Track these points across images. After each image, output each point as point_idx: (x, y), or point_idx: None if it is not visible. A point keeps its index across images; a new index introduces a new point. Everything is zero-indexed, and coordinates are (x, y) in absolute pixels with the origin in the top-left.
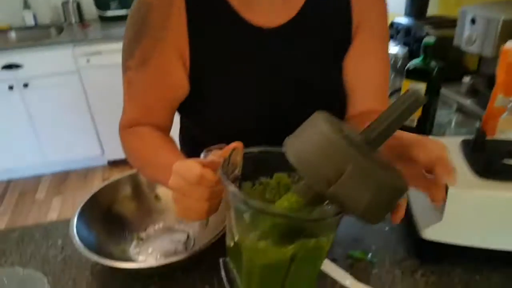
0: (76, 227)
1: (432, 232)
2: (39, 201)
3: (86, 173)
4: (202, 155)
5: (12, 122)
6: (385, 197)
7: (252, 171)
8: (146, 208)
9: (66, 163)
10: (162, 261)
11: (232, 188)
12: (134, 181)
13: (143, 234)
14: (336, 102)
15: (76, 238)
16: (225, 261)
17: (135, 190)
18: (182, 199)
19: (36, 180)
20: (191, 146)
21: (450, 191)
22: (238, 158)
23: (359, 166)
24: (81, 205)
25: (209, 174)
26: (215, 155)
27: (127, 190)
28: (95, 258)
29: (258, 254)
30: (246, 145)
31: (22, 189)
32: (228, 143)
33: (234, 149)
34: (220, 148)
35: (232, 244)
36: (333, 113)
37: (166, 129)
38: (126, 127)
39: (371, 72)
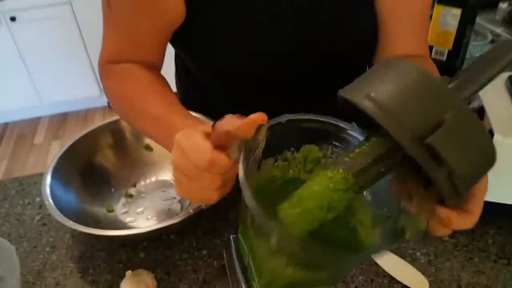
0: (51, 185)
1: None
2: (37, 145)
3: (85, 114)
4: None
5: (3, 61)
6: (484, 163)
7: (274, 145)
8: (135, 160)
9: (64, 105)
10: (153, 225)
11: (252, 203)
12: (119, 128)
13: (132, 190)
14: (368, 47)
15: (49, 199)
16: (236, 238)
17: (121, 139)
18: (186, 183)
19: (34, 123)
20: (193, 92)
21: (495, 137)
22: (262, 136)
23: (466, 116)
24: (56, 159)
25: (222, 160)
26: (231, 124)
27: (111, 139)
28: (70, 224)
29: (282, 278)
30: (261, 97)
31: (20, 133)
32: (239, 98)
33: (259, 126)
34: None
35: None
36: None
37: (156, 67)
38: (107, 63)
39: (410, 7)
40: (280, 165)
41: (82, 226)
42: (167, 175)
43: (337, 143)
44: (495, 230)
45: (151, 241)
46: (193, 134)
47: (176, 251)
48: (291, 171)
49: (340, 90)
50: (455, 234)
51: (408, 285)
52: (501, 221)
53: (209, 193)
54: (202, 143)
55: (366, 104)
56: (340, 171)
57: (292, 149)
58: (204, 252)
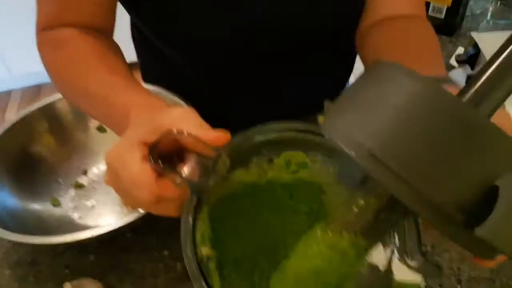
0: None
1: None
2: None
3: None
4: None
5: None
6: None
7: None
8: (83, 143)
9: (36, 76)
10: (104, 226)
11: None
12: (59, 108)
13: (83, 180)
14: (348, 20)
15: None
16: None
17: (64, 121)
18: (132, 204)
19: (4, 97)
20: (153, 63)
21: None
22: (226, 164)
23: None
24: None
25: (170, 193)
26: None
27: (50, 122)
28: None
29: None
30: (228, 71)
31: None
32: (206, 72)
33: (218, 158)
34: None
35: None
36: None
37: (105, 32)
38: (43, 30)
39: None
40: (254, 170)
41: (8, 233)
42: None
43: (325, 153)
44: None
45: (103, 241)
46: (128, 159)
47: (132, 253)
48: (270, 173)
49: (321, 118)
50: None
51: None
52: None
53: (166, 213)
54: (142, 176)
55: (364, 163)
56: (344, 234)
57: (271, 157)
58: (165, 252)
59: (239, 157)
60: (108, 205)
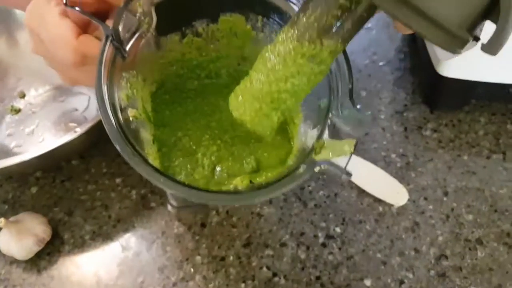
0: None
1: (456, 66)
2: None
3: None
4: None
5: None
6: None
7: (174, 17)
8: (20, 60)
9: None
10: (43, 147)
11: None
12: None
13: (20, 103)
14: None
15: None
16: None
17: None
18: (62, 70)
19: None
20: None
21: None
22: (145, 8)
23: None
24: None
25: (94, 47)
26: None
27: None
28: None
29: None
30: None
31: None
32: None
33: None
34: None
35: None
36: None
37: None
38: None
39: None
40: (191, 41)
41: None
42: None
43: (268, 12)
44: (486, 118)
45: (46, 170)
46: (45, 16)
47: (79, 182)
48: (211, 46)
49: None
50: (438, 127)
51: (382, 198)
52: (494, 106)
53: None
54: (61, 31)
55: None
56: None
57: (207, 20)
58: (118, 180)
59: (169, 13)
60: (49, 130)
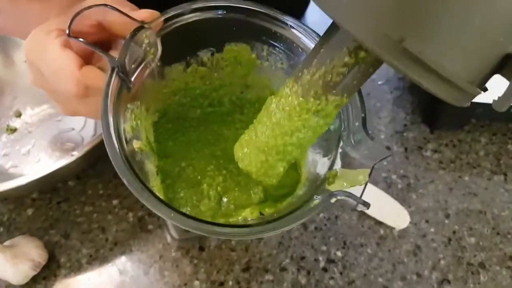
0: None
1: None
2: None
3: None
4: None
5: None
6: None
7: (179, 46)
8: (16, 78)
9: None
10: (41, 170)
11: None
12: None
13: (16, 123)
14: None
15: None
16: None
17: None
18: (66, 105)
19: None
20: None
21: None
22: (151, 40)
23: None
24: None
25: (97, 79)
26: (102, 14)
27: None
28: None
29: None
30: None
31: None
32: None
33: (142, 27)
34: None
35: None
36: None
37: None
38: None
39: None
40: (195, 70)
41: None
42: None
43: (273, 42)
44: (487, 138)
45: (43, 192)
46: (47, 48)
47: (76, 204)
48: (215, 74)
49: None
50: (438, 147)
51: (383, 221)
52: (494, 126)
53: (94, 108)
54: (63, 63)
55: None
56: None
57: (211, 49)
58: (115, 201)
59: (174, 43)
60: (45, 150)
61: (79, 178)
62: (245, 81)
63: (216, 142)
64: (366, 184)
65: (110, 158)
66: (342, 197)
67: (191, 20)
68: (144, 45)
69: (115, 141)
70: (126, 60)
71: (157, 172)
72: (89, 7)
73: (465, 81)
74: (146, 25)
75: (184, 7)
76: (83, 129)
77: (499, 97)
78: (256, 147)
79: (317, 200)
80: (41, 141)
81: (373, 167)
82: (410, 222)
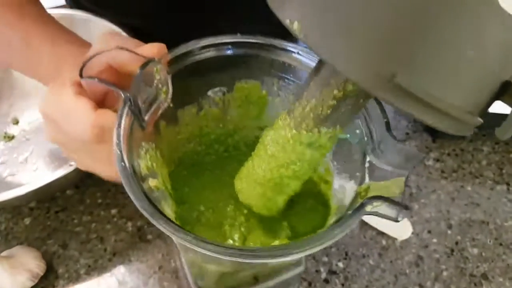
0: None
1: None
2: None
3: None
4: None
5: None
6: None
7: (191, 85)
8: (13, 85)
9: None
10: (39, 179)
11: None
12: None
13: (13, 130)
14: None
15: None
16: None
17: None
18: (80, 158)
19: None
20: None
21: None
22: (162, 76)
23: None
24: None
25: (110, 118)
26: (111, 56)
27: None
28: None
29: None
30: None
31: None
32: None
33: (152, 60)
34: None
35: None
36: None
37: None
38: None
39: None
40: (208, 113)
41: None
42: None
43: (282, 74)
44: (489, 147)
45: (41, 201)
46: (61, 98)
47: (74, 213)
48: (228, 117)
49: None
50: (440, 156)
51: (385, 231)
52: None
53: (105, 167)
54: (77, 109)
55: (295, 27)
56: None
57: (222, 89)
58: (113, 211)
59: (185, 83)
60: (43, 157)
61: (77, 187)
62: (259, 123)
63: (233, 183)
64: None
65: (128, 191)
66: (379, 203)
67: (200, 58)
68: (155, 82)
69: (129, 170)
70: (138, 96)
71: (176, 219)
72: (99, 52)
73: (464, 112)
74: (156, 59)
75: (192, 45)
76: None
77: (502, 125)
78: (253, 180)
79: (349, 212)
80: (39, 149)
81: (408, 174)
82: (412, 233)
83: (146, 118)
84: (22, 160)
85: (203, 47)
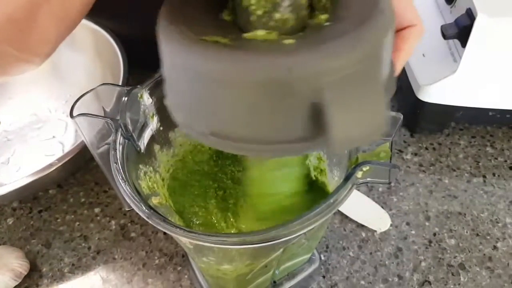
0: None
1: (437, 90)
2: None
3: None
4: None
5: None
6: None
7: None
8: None
9: None
10: (20, 179)
11: None
12: None
13: None
14: None
15: None
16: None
17: None
18: None
19: None
20: None
21: (478, 19)
22: (146, 101)
23: None
24: None
25: None
26: None
27: None
28: None
29: None
30: None
31: None
32: None
33: (133, 89)
34: None
35: None
36: None
37: None
38: None
39: None
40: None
41: None
42: (42, 107)
43: None
44: (466, 141)
45: (23, 201)
46: None
47: (57, 212)
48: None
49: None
50: (418, 150)
51: (365, 224)
52: (473, 129)
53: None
54: None
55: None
56: None
57: None
58: (96, 210)
59: None
60: (25, 158)
61: (60, 187)
62: None
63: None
64: (391, 158)
65: (137, 210)
66: (368, 166)
67: None
68: (141, 107)
69: (134, 194)
70: (128, 122)
71: None
72: (85, 94)
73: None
74: (138, 86)
75: None
76: (63, 136)
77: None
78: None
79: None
80: (21, 150)
81: (392, 139)
82: (391, 225)
83: (140, 144)
84: (4, 160)
85: None
